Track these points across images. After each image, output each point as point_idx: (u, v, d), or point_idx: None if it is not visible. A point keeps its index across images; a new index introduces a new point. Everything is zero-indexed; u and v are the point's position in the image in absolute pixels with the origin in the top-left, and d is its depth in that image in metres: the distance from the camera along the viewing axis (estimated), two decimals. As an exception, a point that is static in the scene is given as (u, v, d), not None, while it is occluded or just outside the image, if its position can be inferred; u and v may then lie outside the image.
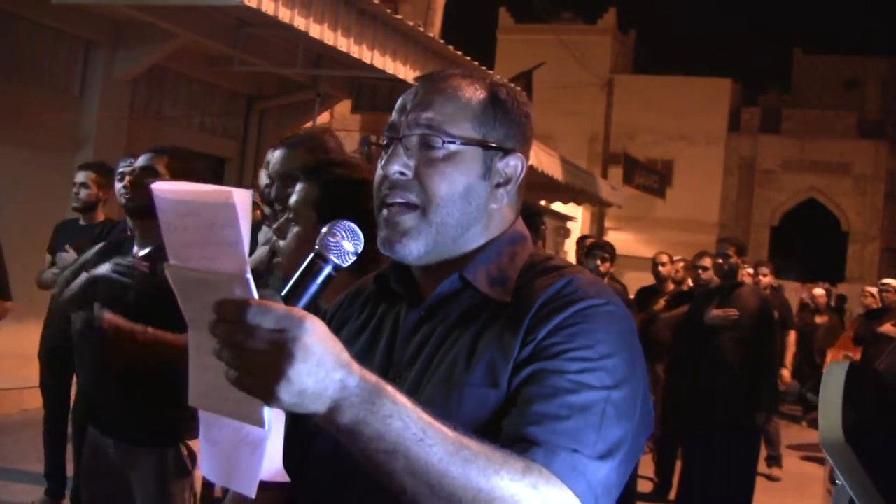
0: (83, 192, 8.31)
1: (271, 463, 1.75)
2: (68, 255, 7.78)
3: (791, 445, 15.11)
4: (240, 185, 14.40)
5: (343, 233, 1.84)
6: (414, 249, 2.09)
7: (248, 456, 1.75)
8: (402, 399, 1.68)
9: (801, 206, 43.03)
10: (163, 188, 1.73)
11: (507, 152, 2.16)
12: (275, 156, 4.12)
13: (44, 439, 8.55)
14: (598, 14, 45.68)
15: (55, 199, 8.68)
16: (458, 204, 2.09)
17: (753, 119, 43.94)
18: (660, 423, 10.70)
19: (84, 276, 5.15)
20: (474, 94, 2.15)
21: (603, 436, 1.85)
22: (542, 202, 23.14)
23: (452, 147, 2.09)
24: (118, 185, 7.25)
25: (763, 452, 11.52)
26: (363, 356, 2.15)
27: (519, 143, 2.20)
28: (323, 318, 2.32)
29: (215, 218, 1.64)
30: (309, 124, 16.55)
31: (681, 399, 10.02)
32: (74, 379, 7.29)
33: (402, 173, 2.08)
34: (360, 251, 1.85)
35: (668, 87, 42.09)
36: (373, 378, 1.67)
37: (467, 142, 2.10)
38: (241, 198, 1.62)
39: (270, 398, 1.58)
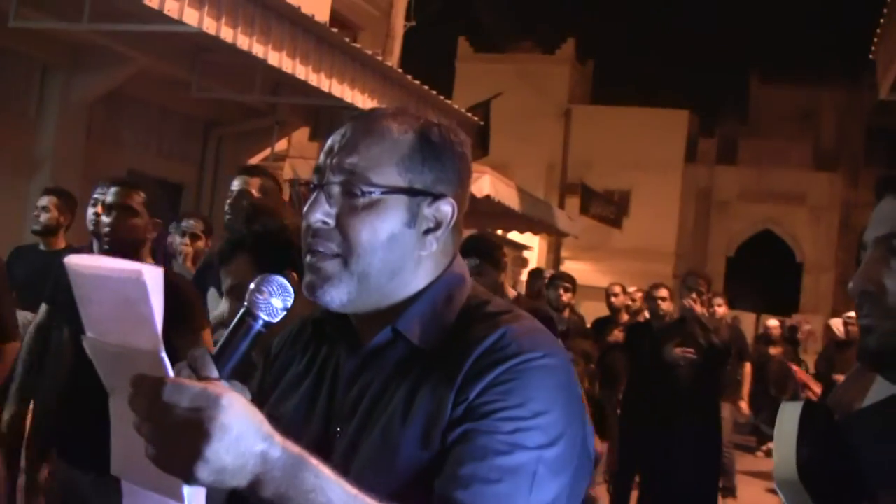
0: (44, 216, 8.25)
1: None
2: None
3: (746, 472, 15.16)
4: (197, 209, 14.39)
5: (271, 289, 1.83)
6: (336, 297, 2.04)
7: None
8: (326, 471, 1.67)
9: (756, 236, 43.21)
10: (77, 262, 1.73)
11: (436, 197, 2.10)
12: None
13: (24, 484, 8.44)
14: (556, 44, 45.79)
15: (9, 224, 8.63)
16: (380, 253, 2.03)
17: (710, 149, 44.16)
18: (622, 450, 10.71)
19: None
20: (402, 136, 2.08)
21: (534, 499, 1.83)
22: (499, 231, 23.15)
23: (374, 195, 2.03)
24: (90, 211, 7.18)
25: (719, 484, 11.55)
26: (308, 401, 2.15)
27: (451, 186, 2.13)
28: (269, 355, 2.36)
29: (127, 293, 1.63)
30: (267, 151, 16.55)
31: (636, 432, 10.03)
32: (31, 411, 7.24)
33: (323, 222, 2.04)
34: (289, 305, 1.84)
35: (625, 118, 42.22)
36: (296, 449, 1.66)
37: (390, 190, 2.04)
38: (152, 274, 1.62)
39: (189, 477, 1.58)
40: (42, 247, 8.33)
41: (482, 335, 1.97)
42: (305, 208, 2.08)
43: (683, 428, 9.37)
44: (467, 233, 2.09)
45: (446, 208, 2.11)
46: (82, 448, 4.92)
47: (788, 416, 2.18)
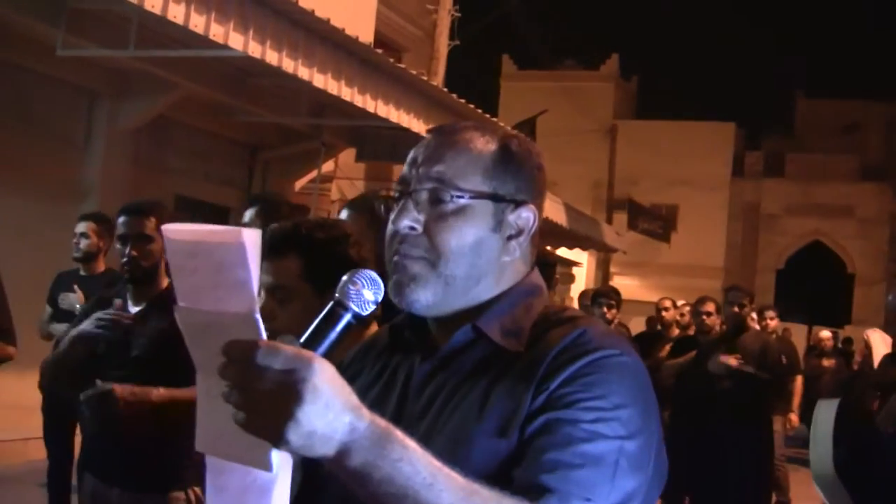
0: (83, 243, 8.31)
1: None
2: (73, 296, 7.78)
3: (801, 485, 14.99)
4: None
5: (364, 281, 1.83)
6: (422, 297, 2.07)
7: (255, 502, 1.73)
8: (412, 444, 1.67)
9: (805, 248, 43.03)
10: (173, 230, 1.72)
11: (518, 204, 2.14)
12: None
13: (48, 491, 8.51)
14: (600, 60, 45.85)
15: (58, 250, 8.71)
16: (468, 257, 2.08)
17: (757, 163, 44.01)
18: (670, 469, 10.61)
19: (68, 335, 5.15)
20: (485, 146, 2.14)
21: (616, 487, 1.84)
22: (548, 248, 23.12)
23: (462, 201, 2.08)
24: None
25: (773, 499, 11.44)
26: (375, 407, 2.06)
27: (531, 195, 2.18)
28: (338, 367, 2.35)
29: (225, 258, 1.64)
30: (313, 174, 16.60)
31: (686, 447, 9.94)
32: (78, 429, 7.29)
33: (412, 228, 2.07)
34: (379, 300, 1.84)
35: (670, 133, 42.16)
36: (382, 423, 1.66)
37: (477, 195, 2.09)
38: (251, 238, 1.63)
39: (279, 440, 1.58)
40: (82, 272, 8.39)
41: (563, 333, 2.02)
42: (393, 216, 2.12)
43: (732, 443, 9.28)
44: None
45: (528, 215, 2.16)
46: (111, 463, 4.95)
47: (824, 415, 2.17)
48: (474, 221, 2.09)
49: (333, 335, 1.77)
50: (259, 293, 3.62)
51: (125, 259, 5.15)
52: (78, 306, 7.69)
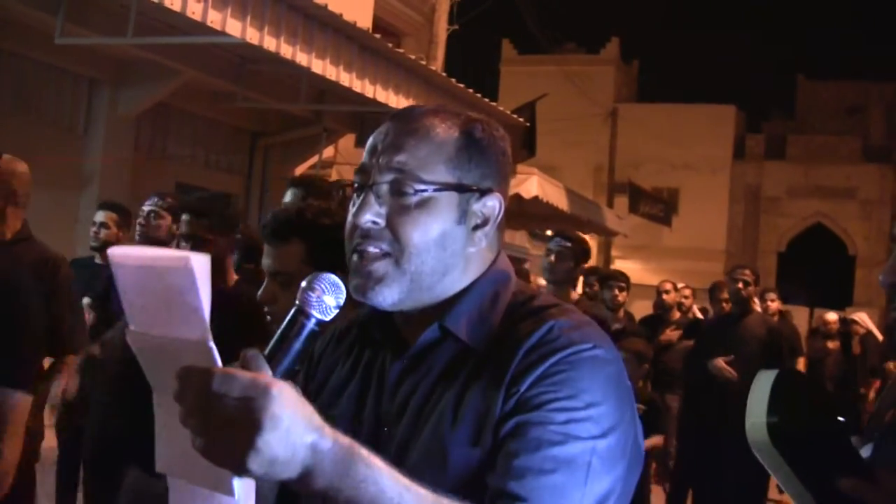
0: (103, 233, 8.26)
1: None
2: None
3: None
4: (245, 219, 14.45)
5: (324, 287, 1.79)
6: (388, 296, 2.03)
7: None
8: (377, 462, 1.64)
9: (807, 231, 43.00)
10: (120, 253, 1.70)
11: (483, 193, 2.09)
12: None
13: (56, 480, 8.51)
14: (600, 44, 45.77)
15: (60, 238, 8.71)
16: (433, 251, 2.02)
17: (758, 146, 43.95)
18: (676, 456, 10.61)
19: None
20: (447, 133, 2.07)
21: (589, 490, 1.82)
22: (549, 232, 23.10)
23: (425, 194, 2.02)
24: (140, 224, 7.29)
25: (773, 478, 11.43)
26: (355, 407, 2.13)
27: (496, 181, 2.13)
28: (312, 359, 2.33)
29: (173, 283, 1.61)
30: (314, 159, 16.60)
31: (693, 432, 9.94)
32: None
33: (374, 223, 2.02)
34: (342, 303, 1.81)
35: (672, 116, 42.12)
36: (346, 441, 1.63)
37: (441, 187, 2.03)
38: (199, 262, 1.59)
39: (240, 469, 1.55)
40: (98, 260, 8.37)
41: (530, 329, 1.97)
42: (354, 209, 2.06)
43: (732, 432, 9.29)
44: (513, 234, 2.06)
45: (493, 203, 2.11)
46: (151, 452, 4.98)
47: (761, 383, 2.19)
48: (438, 214, 2.03)
49: (298, 345, 1.74)
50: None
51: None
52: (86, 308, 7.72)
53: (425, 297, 2.06)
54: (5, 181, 5.84)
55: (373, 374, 2.17)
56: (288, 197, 6.15)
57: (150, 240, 7.13)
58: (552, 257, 7.58)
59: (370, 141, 2.11)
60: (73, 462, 8.48)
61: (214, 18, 9.92)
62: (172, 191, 13.49)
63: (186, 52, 12.64)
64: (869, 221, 41.65)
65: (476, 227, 2.09)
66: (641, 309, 17.31)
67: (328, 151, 17.54)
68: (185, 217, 5.37)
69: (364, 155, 2.11)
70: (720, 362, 9.44)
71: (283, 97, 14.92)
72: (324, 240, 3.34)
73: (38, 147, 12.54)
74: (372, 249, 2.02)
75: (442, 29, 20.15)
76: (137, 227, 7.20)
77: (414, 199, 2.02)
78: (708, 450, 9.49)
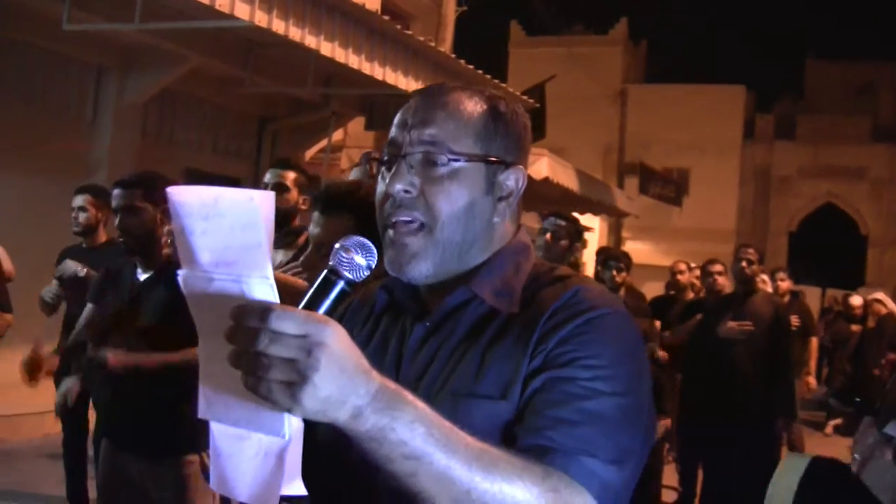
0: (82, 216, 8.31)
1: (290, 475, 1.70)
2: (71, 263, 7.81)
3: (814, 451, 14.97)
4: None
5: (355, 248, 1.83)
6: (424, 269, 2.11)
7: (266, 468, 1.70)
8: (423, 406, 1.68)
9: (818, 211, 42.95)
10: (179, 191, 1.69)
11: (508, 166, 2.17)
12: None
13: (64, 462, 8.55)
14: (608, 25, 45.66)
15: (68, 226, 8.72)
16: (463, 220, 2.11)
17: (768, 126, 43.86)
18: (682, 432, 10.61)
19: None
20: (475, 108, 2.15)
21: (615, 442, 1.88)
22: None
23: (456, 164, 2.10)
24: None
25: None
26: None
27: (519, 155, 2.21)
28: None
29: (237, 220, 1.62)
30: (323, 143, 16.59)
31: (697, 409, 9.92)
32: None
33: (406, 191, 2.09)
34: (373, 265, 1.83)
35: (681, 97, 42.03)
36: (392, 384, 1.66)
37: (470, 158, 2.11)
38: (264, 199, 1.61)
39: (294, 405, 1.56)
40: (84, 244, 8.39)
41: (556, 293, 2.06)
42: (385, 179, 2.14)
43: (743, 409, 9.27)
44: (524, 216, 2.07)
45: (517, 175, 2.19)
46: (128, 430, 5.01)
47: (790, 471, 2.16)
48: (468, 184, 2.11)
49: (328, 303, 1.76)
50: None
51: (119, 230, 5.29)
52: (78, 269, 7.74)
53: (453, 268, 2.14)
54: None
55: (390, 339, 2.23)
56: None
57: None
58: (547, 236, 7.88)
59: (398, 116, 2.19)
60: (79, 447, 8.53)
61: (222, 2, 9.92)
62: (181, 176, 13.49)
63: (194, 37, 12.62)
64: (880, 201, 41.60)
65: (501, 199, 2.18)
66: (652, 290, 17.31)
67: (337, 135, 17.55)
68: (115, 191, 5.43)
69: (392, 129, 2.19)
70: (731, 323, 9.44)
71: (292, 81, 14.91)
72: (373, 217, 3.40)
73: (45, 135, 12.57)
74: (405, 218, 2.10)
75: (450, 11, 20.12)
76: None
77: (445, 169, 2.10)
78: (713, 427, 9.48)
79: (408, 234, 2.09)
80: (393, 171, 2.11)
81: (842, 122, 42.45)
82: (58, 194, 12.34)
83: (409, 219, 2.09)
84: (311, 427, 1.68)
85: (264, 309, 1.56)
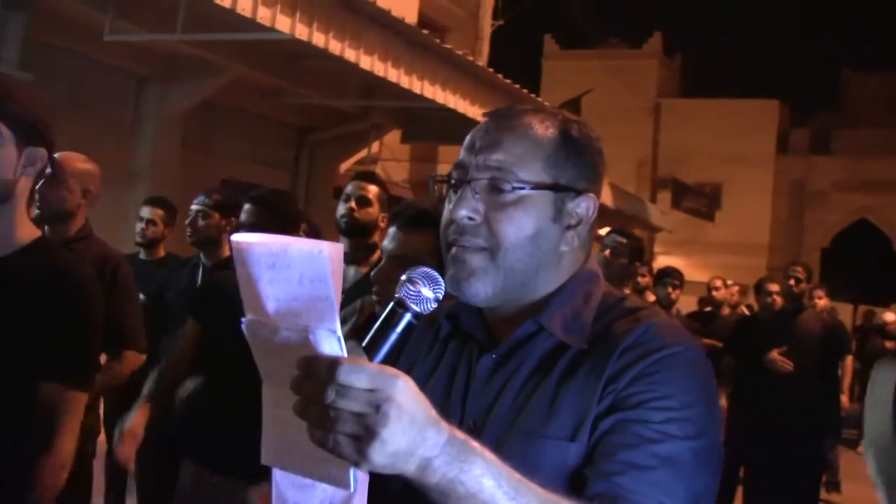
0: (150, 230, 8.25)
1: None
2: None
3: (849, 472, 14.92)
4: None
5: (423, 280, 1.81)
6: (481, 290, 2.05)
7: None
8: (491, 456, 1.64)
9: (852, 226, 42.66)
10: (247, 239, 1.68)
11: (578, 193, 2.12)
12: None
13: (105, 472, 8.55)
14: (643, 38, 45.59)
15: (109, 234, 8.71)
16: (528, 248, 2.05)
17: (803, 140, 43.62)
18: (726, 447, 10.56)
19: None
20: (545, 132, 2.10)
21: (687, 486, 1.84)
22: (602, 231, 23.05)
23: (522, 192, 2.04)
24: (195, 219, 7.28)
25: (823, 478, 11.40)
26: (439, 401, 2.06)
27: (591, 182, 2.16)
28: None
29: (305, 271, 1.61)
30: (362, 154, 16.64)
31: (745, 425, 9.87)
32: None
33: (470, 218, 2.04)
34: (440, 297, 1.82)
35: (715, 110, 41.91)
36: (461, 434, 1.63)
37: (538, 186, 2.06)
38: (334, 250, 1.59)
39: (361, 459, 1.54)
40: (143, 255, 8.38)
41: (626, 329, 2.00)
42: (451, 204, 2.09)
43: (791, 424, 9.24)
44: None
45: (588, 203, 2.14)
46: (217, 450, 5.03)
47: (885, 373, 2.13)
48: (534, 212, 2.05)
49: (394, 337, 1.75)
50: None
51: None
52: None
53: (517, 294, 2.09)
54: (84, 181, 5.97)
55: (458, 369, 2.19)
56: (350, 189, 6.32)
57: (202, 240, 7.17)
58: (607, 252, 7.65)
59: (468, 138, 2.14)
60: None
61: (264, 15, 9.97)
62: (219, 187, 13.57)
63: (235, 49, 12.68)
64: (915, 217, 41.29)
65: (570, 227, 2.12)
66: (685, 304, 17.26)
67: (374, 147, 17.59)
68: (247, 206, 5.43)
69: (462, 151, 2.14)
70: (775, 355, 9.40)
71: (332, 93, 14.98)
72: None
73: (86, 144, 12.52)
74: (467, 244, 2.05)
75: (486, 24, 20.19)
76: (188, 229, 7.20)
77: (511, 196, 2.04)
78: (758, 443, 9.45)
79: (469, 253, 2.04)
80: (458, 195, 2.07)
81: (878, 135, 42.10)
82: (99, 203, 12.42)
83: (472, 245, 2.05)
84: (381, 476, 1.63)
85: (333, 361, 1.55)
